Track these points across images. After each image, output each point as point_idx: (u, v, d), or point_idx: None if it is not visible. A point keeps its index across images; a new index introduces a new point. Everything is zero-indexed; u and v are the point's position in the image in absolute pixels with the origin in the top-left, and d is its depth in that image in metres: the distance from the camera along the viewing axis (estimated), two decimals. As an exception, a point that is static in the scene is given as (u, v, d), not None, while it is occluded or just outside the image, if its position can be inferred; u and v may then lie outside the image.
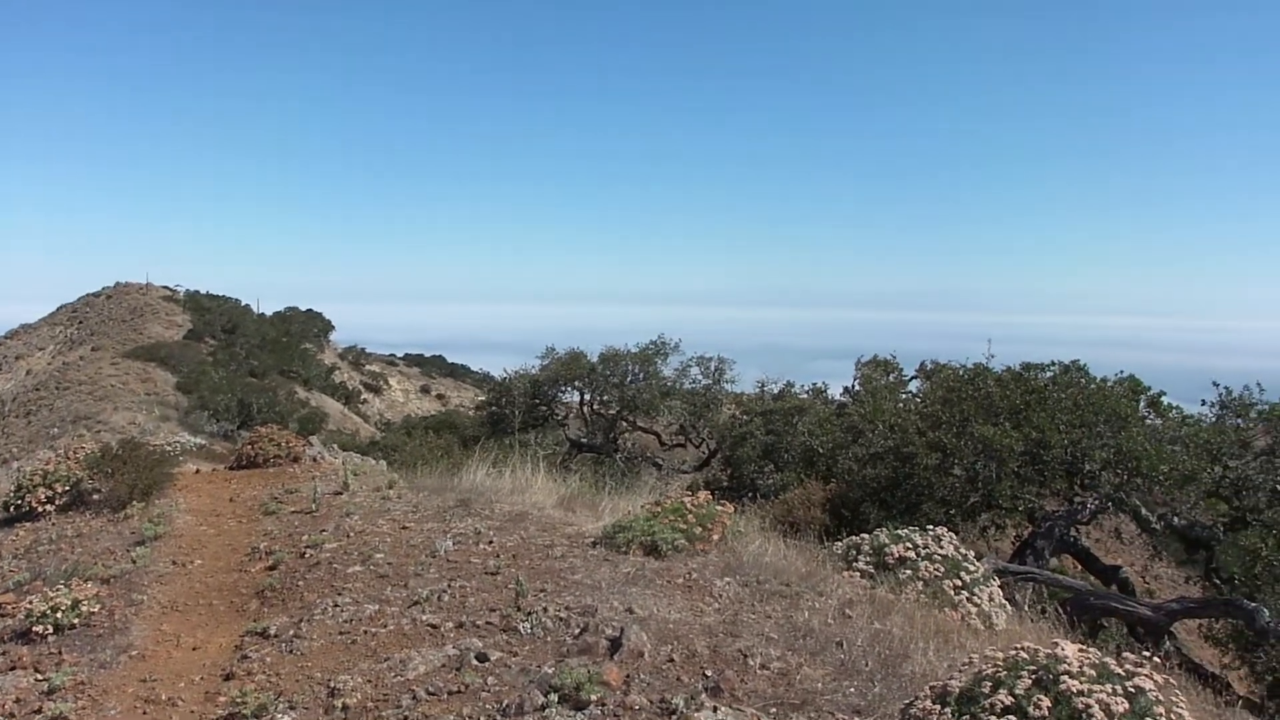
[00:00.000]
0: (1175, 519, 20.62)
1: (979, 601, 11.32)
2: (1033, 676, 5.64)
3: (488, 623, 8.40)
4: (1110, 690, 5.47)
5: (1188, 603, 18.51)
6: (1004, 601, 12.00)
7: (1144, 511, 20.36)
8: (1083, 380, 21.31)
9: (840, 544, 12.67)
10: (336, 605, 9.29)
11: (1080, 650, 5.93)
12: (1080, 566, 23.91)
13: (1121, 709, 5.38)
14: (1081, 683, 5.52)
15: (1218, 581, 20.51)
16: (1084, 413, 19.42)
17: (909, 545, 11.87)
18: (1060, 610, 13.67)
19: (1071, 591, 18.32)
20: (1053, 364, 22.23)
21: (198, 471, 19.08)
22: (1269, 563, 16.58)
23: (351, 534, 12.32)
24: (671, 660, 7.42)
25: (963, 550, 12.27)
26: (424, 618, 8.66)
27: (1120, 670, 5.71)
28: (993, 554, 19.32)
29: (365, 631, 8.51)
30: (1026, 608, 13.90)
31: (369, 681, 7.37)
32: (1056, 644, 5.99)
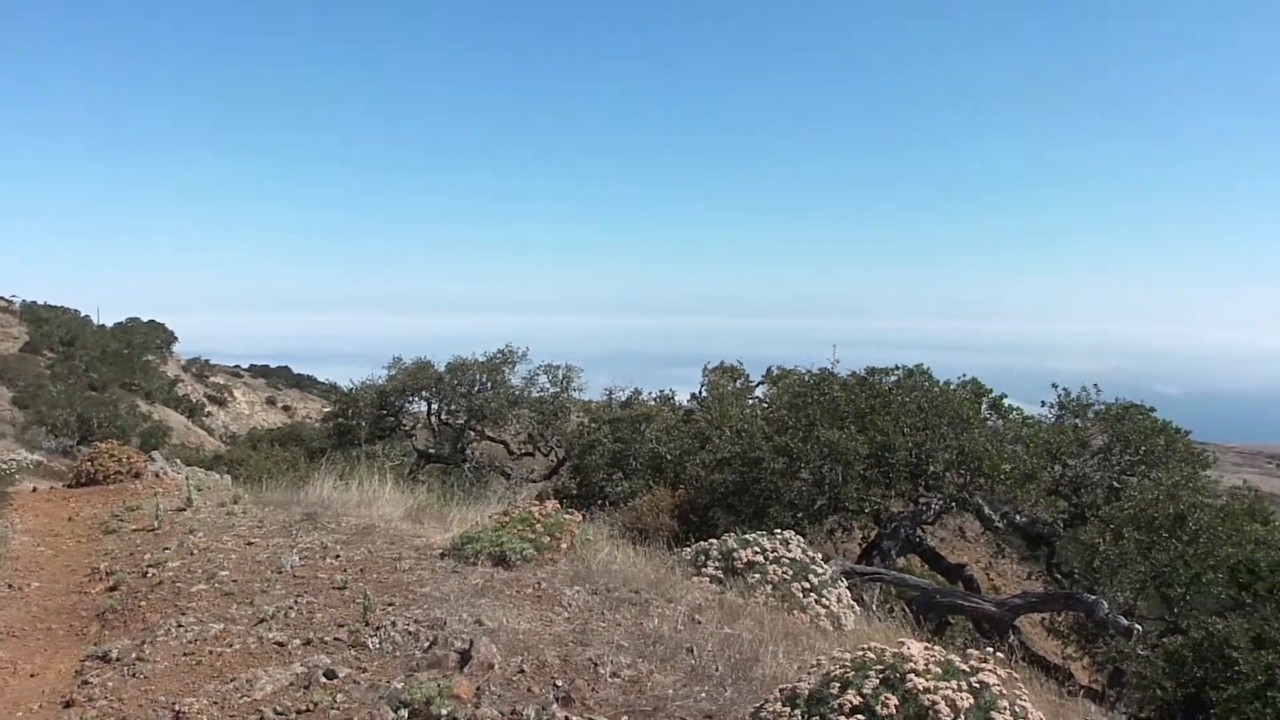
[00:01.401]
0: (1017, 517, 21.07)
1: (827, 603, 11.37)
2: (880, 676, 5.67)
3: (336, 639, 8.22)
4: (955, 686, 5.53)
5: (1030, 597, 18.89)
6: (852, 602, 12.08)
7: (987, 510, 20.76)
8: (926, 384, 21.66)
9: (689, 550, 12.66)
10: (180, 625, 9.01)
11: (926, 648, 5.98)
12: (926, 565, 24.29)
13: (967, 704, 5.43)
14: (927, 680, 5.56)
15: (1059, 576, 21.01)
16: (927, 415, 19.75)
17: (757, 549, 11.89)
18: (907, 609, 13.84)
19: (918, 590, 18.58)
20: (897, 368, 22.57)
21: (35, 490, 18.50)
22: (1107, 557, 16.99)
23: (195, 551, 11.99)
24: (522, 671, 7.33)
25: (810, 553, 12.33)
26: (271, 635, 8.44)
27: (965, 667, 5.78)
28: (840, 556, 19.52)
29: (211, 651, 8.26)
30: (875, 608, 14.03)
31: (215, 703, 7.15)
32: (903, 643, 6.03)
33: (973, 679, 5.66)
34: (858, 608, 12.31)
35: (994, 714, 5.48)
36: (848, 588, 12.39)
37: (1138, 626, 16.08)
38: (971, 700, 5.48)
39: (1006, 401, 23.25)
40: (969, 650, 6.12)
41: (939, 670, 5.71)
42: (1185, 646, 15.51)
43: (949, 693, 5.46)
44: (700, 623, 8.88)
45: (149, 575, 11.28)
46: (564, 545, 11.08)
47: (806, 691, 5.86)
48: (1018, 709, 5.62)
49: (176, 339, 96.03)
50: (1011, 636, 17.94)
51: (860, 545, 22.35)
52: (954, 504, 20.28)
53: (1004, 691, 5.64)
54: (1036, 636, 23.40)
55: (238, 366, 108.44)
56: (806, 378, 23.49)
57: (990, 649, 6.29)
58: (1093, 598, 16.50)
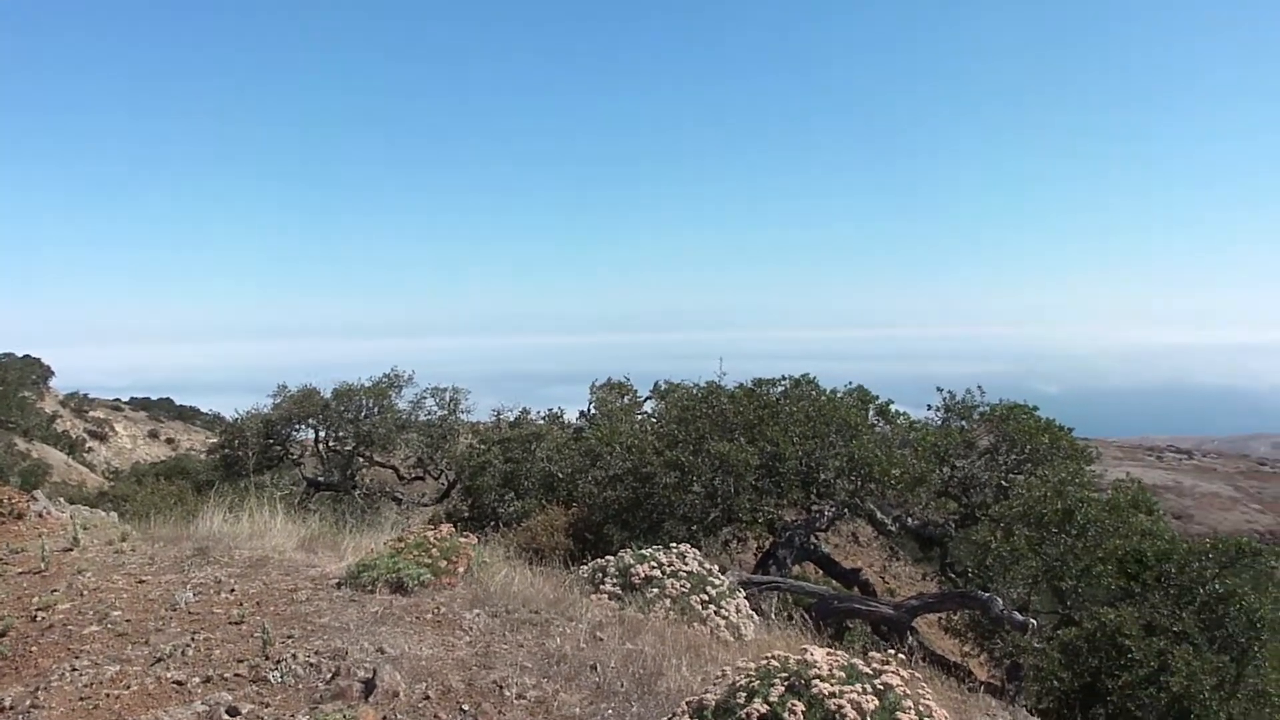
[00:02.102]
0: (909, 520, 21.30)
1: (727, 614, 11.40)
2: (785, 683, 5.68)
3: (236, 674, 8.05)
4: (860, 690, 5.56)
5: (926, 598, 19.10)
6: (751, 612, 12.13)
7: (879, 515, 20.96)
8: (813, 393, 21.84)
9: (586, 567, 12.63)
10: (75, 669, 8.77)
11: (829, 654, 6.01)
12: (822, 572, 24.47)
13: (872, 707, 5.47)
14: (832, 685, 5.59)
15: (953, 576, 21.26)
16: (816, 424, 19.90)
17: (654, 564, 11.89)
18: (806, 616, 13.93)
19: (815, 597, 18.70)
20: (784, 378, 22.72)
21: (-93, 540, 17.97)
22: (999, 554, 17.22)
23: (85, 592, 11.69)
24: (427, 698, 7.24)
25: (707, 565, 12.36)
26: (169, 675, 8.24)
27: (868, 670, 5.81)
28: (736, 567, 19.55)
29: (108, 694, 8.04)
30: (774, 616, 14.11)
31: (114, 748, 6.99)
32: (805, 649, 6.04)
33: (876, 681, 5.69)
34: (757, 617, 12.36)
35: (899, 714, 5.52)
36: (746, 598, 12.43)
37: (1033, 621, 16.31)
38: (876, 702, 5.51)
39: (893, 407, 23.52)
40: (870, 653, 6.15)
41: (843, 675, 5.74)
42: (1079, 637, 15.79)
43: (854, 696, 5.49)
44: (602, 640, 8.84)
45: (38, 619, 10.98)
46: (461, 569, 10.98)
47: (713, 703, 5.86)
48: (922, 708, 5.66)
49: (53, 373, 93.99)
50: (910, 638, 18.11)
51: (756, 555, 22.46)
52: (846, 510, 20.43)
53: (908, 692, 5.69)
54: (934, 636, 23.66)
55: (118, 400, 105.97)
56: (694, 391, 23.58)
57: (891, 651, 6.34)
58: (987, 595, 16.71)
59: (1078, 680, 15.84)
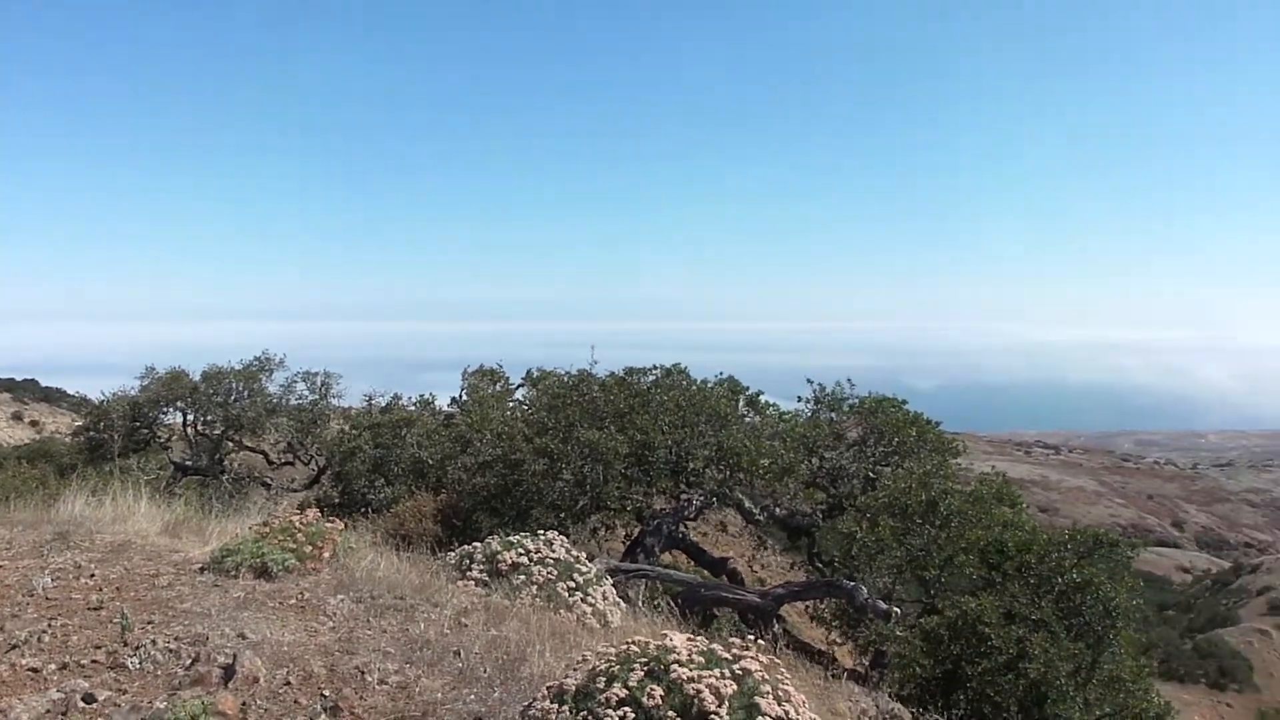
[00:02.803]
0: (777, 509, 21.46)
1: (593, 601, 11.42)
2: (645, 668, 5.69)
3: (94, 661, 7.89)
4: (718, 675, 5.59)
5: (793, 587, 19.29)
6: (617, 600, 12.16)
7: (748, 504, 21.10)
8: (684, 383, 21.95)
9: (453, 554, 12.56)
10: (-72, 658, 8.57)
11: (689, 640, 6.04)
12: (691, 561, 24.58)
13: (730, 691, 5.50)
14: (691, 670, 5.61)
15: (820, 565, 21.52)
16: (685, 413, 19.99)
17: (521, 551, 11.87)
18: (673, 604, 13.98)
19: (683, 585, 18.77)
20: (655, 368, 22.81)
21: None
22: (864, 544, 17.44)
23: (-63, 578, 11.43)
24: (288, 683, 7.16)
25: (575, 552, 12.36)
26: (24, 662, 8.05)
27: (728, 655, 5.85)
28: (605, 554, 19.57)
29: (-40, 682, 7.87)
30: (641, 604, 14.14)
31: (-32, 737, 6.81)
32: (666, 635, 6.07)
33: (735, 667, 5.73)
34: (623, 605, 12.39)
35: (757, 699, 5.56)
36: (613, 585, 12.46)
37: (896, 609, 16.56)
38: (735, 687, 5.55)
39: (763, 398, 23.73)
40: (731, 640, 6.19)
41: (702, 660, 5.77)
42: (941, 625, 16.07)
43: (713, 681, 5.52)
44: (467, 626, 8.81)
45: (-111, 608, 10.71)
46: (326, 554, 10.87)
47: (574, 687, 5.86)
48: (780, 693, 5.71)
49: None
50: (776, 626, 18.27)
51: (624, 543, 22.51)
52: (715, 499, 20.56)
53: (765, 677, 5.73)
54: (804, 625, 23.90)
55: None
56: (566, 379, 23.57)
57: (753, 638, 6.39)
58: (852, 584, 16.92)
59: (939, 667, 16.12)
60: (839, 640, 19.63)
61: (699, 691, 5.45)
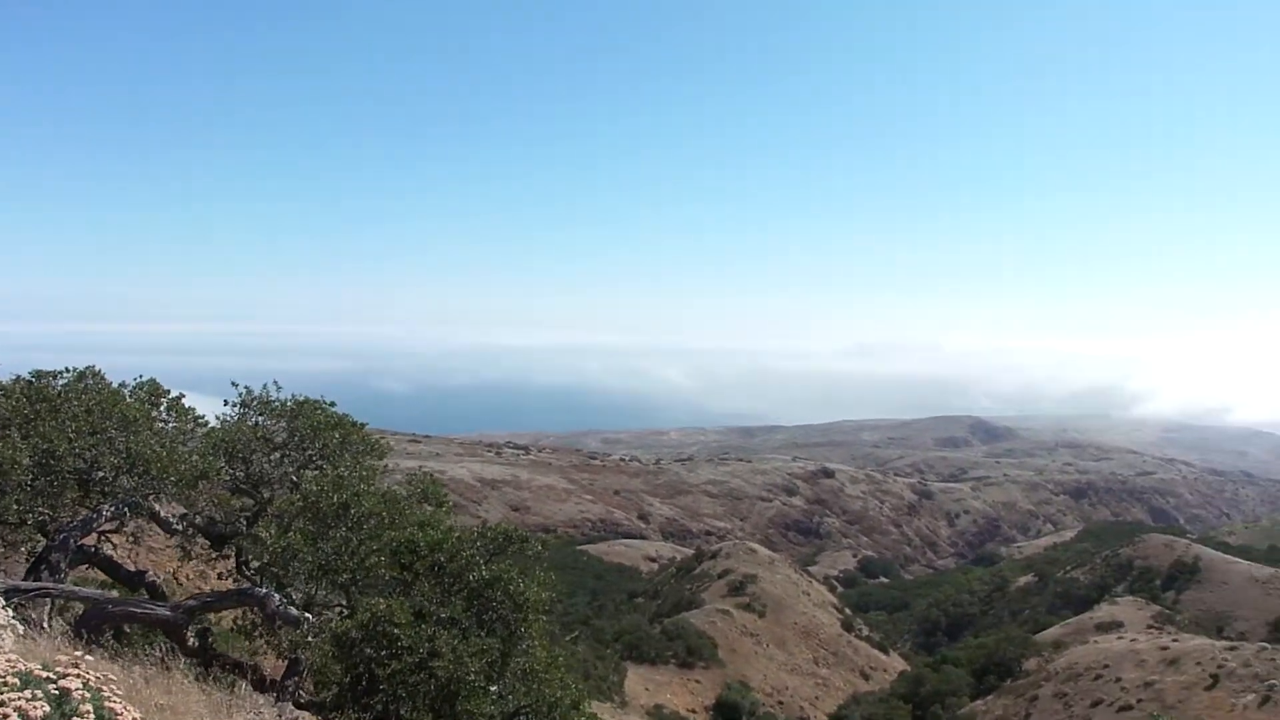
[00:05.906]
0: (197, 517, 20.93)
1: (-19, 626, 10.76)
2: (-49, 694, 5.39)
3: None
4: (30, 696, 5.34)
5: (204, 598, 18.90)
6: (13, 621, 11.53)
7: (164, 513, 20.50)
8: (98, 386, 21.11)
9: None
10: None
11: (8, 660, 5.75)
12: (106, 576, 23.58)
13: (41, 713, 5.26)
14: (1, 693, 5.34)
15: (249, 574, 21.15)
16: (95, 419, 19.22)
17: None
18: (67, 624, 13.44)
19: (90, 602, 17.97)
20: (67, 370, 21.81)
21: None
22: (275, 550, 17.26)
23: None
24: None
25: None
26: None
27: (48, 674, 5.61)
28: (3, 574, 18.47)
29: None
30: (47, 625, 13.50)
31: None
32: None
33: (53, 686, 5.50)
34: (21, 627, 11.75)
35: (76, 719, 5.36)
36: (15, 607, 11.86)
37: (307, 615, 16.48)
38: (48, 709, 5.31)
39: (185, 402, 23.10)
40: (58, 658, 5.94)
41: (17, 681, 5.50)
42: (353, 628, 16.08)
43: (21, 704, 5.26)
44: None
45: None
46: None
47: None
48: (105, 711, 5.52)
49: None
50: (194, 639, 17.82)
51: (28, 560, 21.33)
52: (128, 509, 19.83)
53: (86, 696, 5.52)
54: (236, 637, 23.41)
55: None
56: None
57: (151, 652, 6.17)
58: (264, 592, 16.73)
59: (350, 671, 16.13)
60: (264, 650, 19.36)
61: (6, 715, 5.19)
